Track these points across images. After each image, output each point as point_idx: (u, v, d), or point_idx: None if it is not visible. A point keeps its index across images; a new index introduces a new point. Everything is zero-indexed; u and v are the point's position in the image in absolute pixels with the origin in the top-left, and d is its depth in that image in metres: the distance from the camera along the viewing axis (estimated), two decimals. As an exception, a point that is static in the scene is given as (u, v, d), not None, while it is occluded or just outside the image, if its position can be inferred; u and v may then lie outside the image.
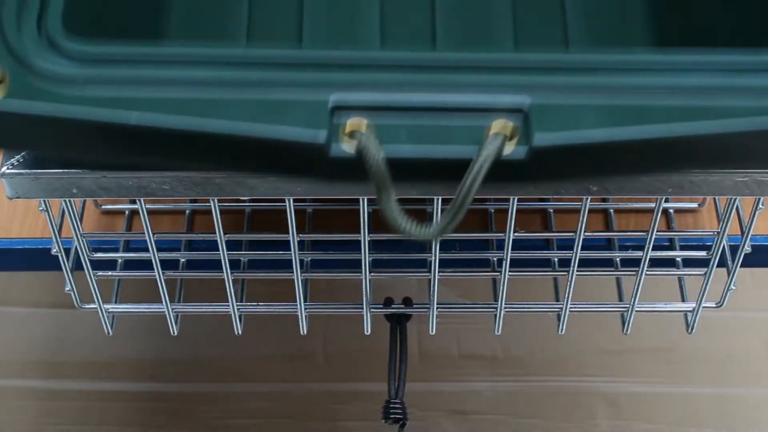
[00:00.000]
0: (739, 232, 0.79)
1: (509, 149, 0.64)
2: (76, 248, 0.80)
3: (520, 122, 0.65)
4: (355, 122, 0.65)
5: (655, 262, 0.81)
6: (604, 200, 0.88)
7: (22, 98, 0.66)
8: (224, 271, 0.78)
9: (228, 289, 0.81)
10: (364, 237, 0.75)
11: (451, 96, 0.66)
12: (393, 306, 0.86)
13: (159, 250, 0.78)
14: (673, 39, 0.84)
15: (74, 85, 0.66)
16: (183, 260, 0.83)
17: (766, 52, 0.67)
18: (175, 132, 0.65)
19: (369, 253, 0.77)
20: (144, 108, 0.66)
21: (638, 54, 0.68)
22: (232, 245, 0.79)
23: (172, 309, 0.84)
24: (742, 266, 0.81)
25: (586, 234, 0.76)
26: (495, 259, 0.82)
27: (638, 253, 0.79)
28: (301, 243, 0.76)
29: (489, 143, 0.63)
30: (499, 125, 0.64)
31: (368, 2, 0.88)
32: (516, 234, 0.78)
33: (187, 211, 0.87)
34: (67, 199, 0.73)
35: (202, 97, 0.66)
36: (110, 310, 0.85)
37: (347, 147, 0.64)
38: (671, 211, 0.88)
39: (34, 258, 0.88)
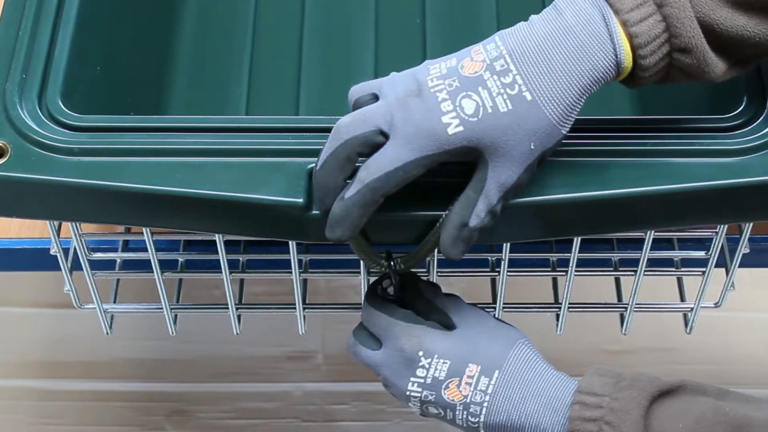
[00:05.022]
0: (738, 233, 0.79)
1: None
2: (75, 248, 0.80)
3: None
4: None
5: (653, 262, 0.81)
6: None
7: (22, 167, 0.70)
8: (223, 271, 0.78)
9: (227, 290, 0.81)
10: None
11: None
12: (392, 306, 0.85)
13: (158, 250, 0.78)
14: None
15: (71, 154, 0.70)
16: (182, 260, 0.83)
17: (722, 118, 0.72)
18: (164, 198, 0.69)
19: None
20: (135, 174, 0.69)
21: (595, 118, 0.72)
22: (230, 245, 0.79)
23: (171, 309, 0.84)
24: (740, 266, 0.81)
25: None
26: (494, 259, 0.82)
27: (637, 253, 0.79)
28: (299, 243, 0.76)
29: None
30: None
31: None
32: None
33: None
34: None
35: (190, 163, 0.70)
36: (109, 310, 0.85)
37: None
38: (670, 211, 0.88)
39: (33, 258, 0.88)
